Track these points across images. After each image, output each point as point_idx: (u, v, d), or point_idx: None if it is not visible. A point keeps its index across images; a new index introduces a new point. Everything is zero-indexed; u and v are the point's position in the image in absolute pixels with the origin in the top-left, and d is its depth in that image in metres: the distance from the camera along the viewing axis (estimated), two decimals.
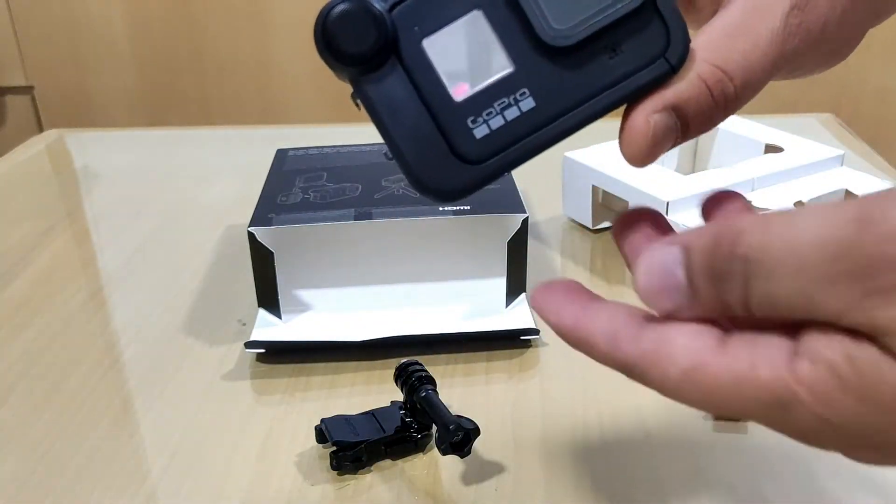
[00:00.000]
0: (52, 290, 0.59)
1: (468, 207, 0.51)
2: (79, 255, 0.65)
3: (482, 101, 0.25)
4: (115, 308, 0.57)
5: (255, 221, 0.50)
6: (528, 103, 0.25)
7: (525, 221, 0.51)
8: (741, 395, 0.23)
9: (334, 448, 0.41)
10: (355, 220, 0.50)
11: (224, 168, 0.81)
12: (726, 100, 0.26)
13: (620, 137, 0.26)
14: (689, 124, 0.26)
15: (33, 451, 0.43)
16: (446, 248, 0.53)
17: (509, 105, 0.25)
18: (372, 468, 0.41)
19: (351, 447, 0.40)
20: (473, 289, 0.54)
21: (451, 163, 0.25)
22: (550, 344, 0.50)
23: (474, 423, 0.39)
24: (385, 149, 0.26)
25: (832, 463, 0.40)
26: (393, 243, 0.53)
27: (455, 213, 0.51)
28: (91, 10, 1.35)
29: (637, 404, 0.45)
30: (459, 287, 0.54)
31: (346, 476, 0.40)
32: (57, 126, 0.97)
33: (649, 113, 0.26)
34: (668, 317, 0.24)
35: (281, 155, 0.63)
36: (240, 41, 1.36)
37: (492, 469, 0.41)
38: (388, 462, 0.41)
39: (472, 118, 0.25)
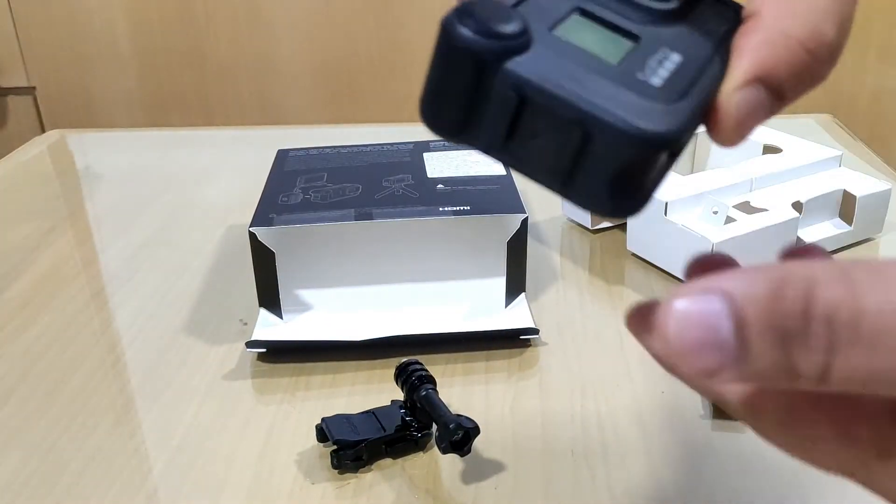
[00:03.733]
0: (54, 290, 0.59)
1: (468, 207, 0.51)
2: (80, 256, 0.65)
3: (637, 62, 0.24)
4: (116, 308, 0.57)
5: (256, 221, 0.50)
6: (675, 57, 0.25)
7: (525, 222, 0.51)
8: None
9: (335, 447, 0.41)
10: (356, 220, 0.50)
11: (225, 168, 0.81)
12: (832, 52, 0.24)
13: (707, 121, 0.24)
14: (785, 92, 0.24)
15: (35, 451, 0.43)
16: (446, 248, 0.53)
17: (662, 60, 0.24)
18: (372, 467, 0.41)
19: (351, 446, 0.41)
20: (473, 289, 0.54)
21: (655, 106, 0.22)
22: (550, 344, 0.50)
23: (474, 422, 0.39)
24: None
25: None
26: (393, 243, 0.53)
27: (455, 213, 0.51)
28: (92, 12, 1.35)
29: (636, 403, 0.45)
30: (459, 287, 0.54)
31: (347, 475, 0.41)
32: (58, 127, 0.97)
33: (732, 88, 0.24)
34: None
35: (282, 155, 0.63)
36: (241, 42, 1.37)
37: (491, 468, 0.41)
38: (388, 461, 0.41)
39: (640, 73, 0.24)
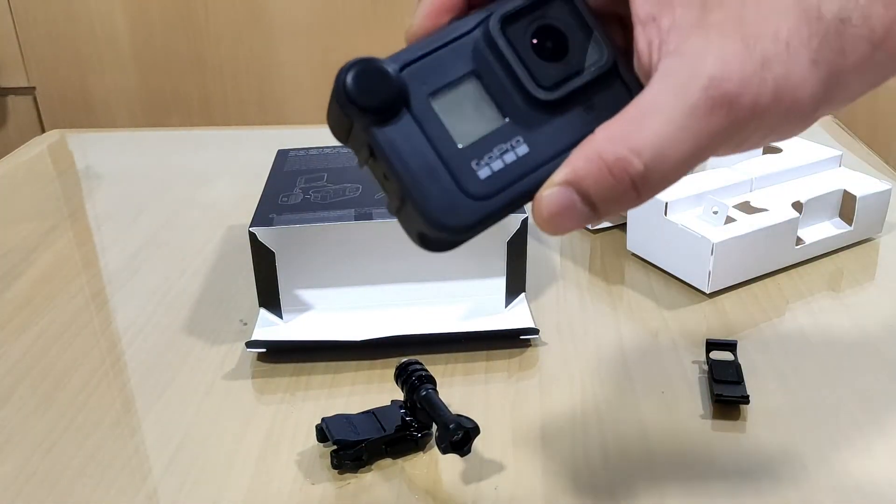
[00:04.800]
0: (54, 290, 0.59)
1: None
2: (80, 256, 0.65)
3: (483, 147, 0.28)
4: (116, 308, 0.57)
5: (256, 221, 0.50)
6: (522, 149, 0.28)
7: (524, 222, 0.51)
8: None
9: (335, 447, 0.41)
10: (356, 220, 0.50)
11: (225, 168, 0.81)
12: (633, 179, 0.26)
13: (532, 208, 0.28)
14: (596, 204, 0.27)
15: (35, 451, 0.43)
16: None
17: (507, 150, 0.28)
18: (372, 467, 0.41)
19: (351, 446, 0.41)
20: (473, 289, 0.54)
21: (460, 199, 0.27)
22: (550, 343, 0.50)
23: (474, 422, 0.39)
24: (384, 205, 0.28)
25: (830, 463, 0.41)
26: (393, 243, 0.53)
27: None
28: (92, 12, 1.35)
29: (636, 403, 0.45)
30: (459, 287, 0.54)
31: (347, 475, 0.41)
32: (58, 127, 0.97)
33: (546, 187, 0.27)
34: None
35: (281, 155, 0.63)
36: (241, 43, 1.37)
37: (491, 468, 0.41)
38: (388, 461, 0.41)
39: (475, 161, 0.28)
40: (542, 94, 0.28)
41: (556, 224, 0.27)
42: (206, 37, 1.36)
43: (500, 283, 0.53)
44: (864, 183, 0.61)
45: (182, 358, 0.51)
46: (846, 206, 0.61)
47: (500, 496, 0.39)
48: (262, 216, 0.51)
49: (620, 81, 0.29)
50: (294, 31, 1.35)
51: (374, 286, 0.54)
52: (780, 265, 0.58)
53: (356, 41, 1.35)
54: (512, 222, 0.51)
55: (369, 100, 0.27)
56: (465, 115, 0.28)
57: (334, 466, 0.41)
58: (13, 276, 0.62)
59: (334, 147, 0.63)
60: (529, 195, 0.28)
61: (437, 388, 0.42)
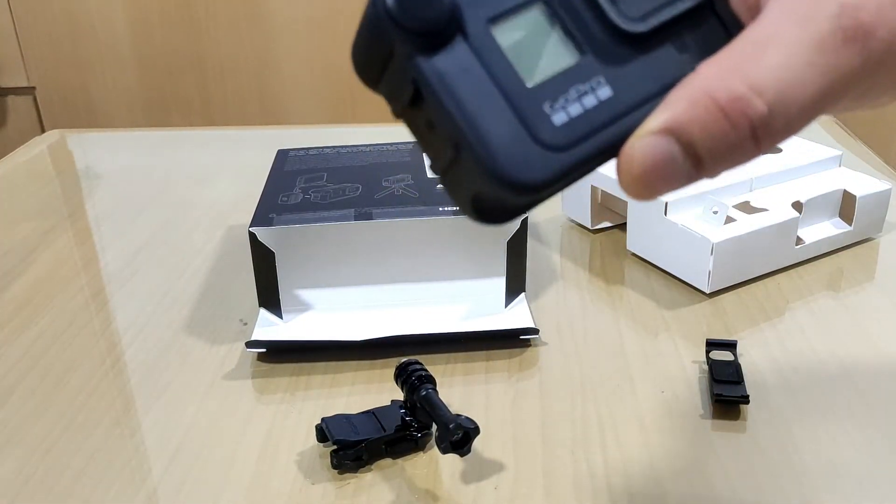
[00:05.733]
0: (54, 290, 0.59)
1: None
2: (80, 256, 0.65)
3: (557, 87, 0.23)
4: (116, 308, 0.57)
5: (256, 221, 0.50)
6: (605, 91, 0.23)
7: (524, 221, 0.51)
8: None
9: (335, 447, 0.41)
10: (356, 220, 0.50)
11: (225, 168, 0.81)
12: (754, 124, 0.21)
13: (617, 166, 0.23)
14: (702, 157, 0.22)
15: (34, 451, 0.43)
16: (446, 248, 0.53)
17: (586, 93, 0.23)
18: (372, 467, 0.41)
19: (351, 446, 0.41)
20: (473, 288, 0.54)
21: (532, 148, 0.22)
22: (550, 343, 0.50)
23: (474, 423, 0.39)
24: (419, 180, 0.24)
25: (831, 463, 0.41)
26: (393, 243, 0.53)
27: (455, 213, 0.51)
28: (92, 11, 1.35)
29: (636, 403, 0.45)
30: (459, 287, 0.54)
31: (347, 475, 0.41)
32: (58, 127, 0.97)
33: (638, 137, 0.22)
34: None
35: (281, 155, 0.63)
36: (241, 42, 1.37)
37: (491, 468, 0.41)
38: (388, 461, 0.41)
39: (549, 103, 0.23)
40: (628, 26, 0.24)
41: (650, 183, 0.22)
42: (207, 36, 1.36)
43: (500, 283, 0.53)
44: (864, 183, 0.61)
45: (182, 358, 0.51)
46: (846, 205, 0.61)
47: (500, 496, 0.39)
48: (262, 216, 0.51)
49: (716, 18, 0.25)
50: (294, 30, 1.36)
51: (373, 286, 0.54)
52: (780, 265, 0.58)
53: None
54: (512, 223, 0.51)
55: (417, 18, 0.22)
56: (534, 48, 0.23)
57: (334, 466, 0.41)
58: (13, 276, 0.62)
59: (334, 147, 0.63)
60: (615, 147, 0.23)
61: (437, 388, 0.42)
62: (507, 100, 0.22)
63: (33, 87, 1.41)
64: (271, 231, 0.50)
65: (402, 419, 0.42)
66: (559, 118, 0.23)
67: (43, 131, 0.93)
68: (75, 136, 0.93)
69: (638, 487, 0.39)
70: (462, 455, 0.40)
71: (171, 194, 0.76)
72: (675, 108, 0.22)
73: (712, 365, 0.46)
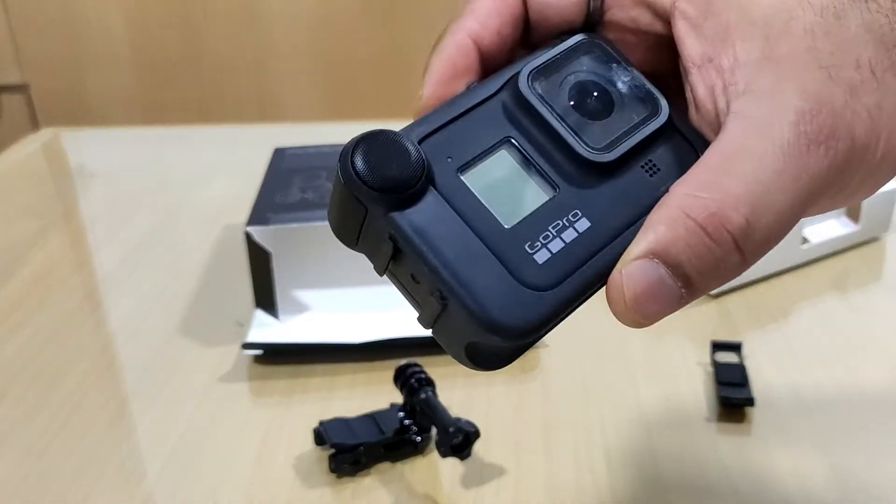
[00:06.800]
0: (48, 290, 0.59)
1: None
2: (74, 255, 0.64)
3: (535, 225, 0.23)
4: (110, 308, 0.56)
5: (252, 221, 0.50)
6: (582, 224, 0.23)
7: None
8: None
9: (333, 451, 0.40)
10: None
11: (221, 167, 0.81)
12: (735, 237, 0.21)
13: (606, 295, 0.23)
14: (690, 277, 0.22)
15: (29, 453, 0.42)
16: None
17: (564, 227, 0.23)
18: (371, 471, 0.40)
19: (349, 450, 0.40)
20: None
21: (519, 291, 0.22)
22: (551, 346, 0.49)
23: (474, 426, 0.39)
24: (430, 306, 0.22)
25: (837, 464, 0.40)
26: None
27: None
28: (87, 8, 1.34)
29: (639, 405, 0.44)
30: None
31: (345, 479, 0.40)
32: (53, 124, 0.96)
33: (623, 264, 0.22)
34: None
35: (279, 154, 0.62)
36: (237, 39, 1.36)
37: (492, 472, 0.40)
38: (387, 464, 0.41)
39: (528, 243, 0.22)
40: (595, 156, 0.24)
41: (643, 309, 0.22)
42: (203, 33, 1.36)
43: None
44: None
45: (177, 359, 0.50)
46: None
47: (501, 501, 0.39)
48: (259, 215, 0.50)
49: (680, 136, 0.25)
50: (291, 27, 1.35)
51: (372, 287, 0.53)
52: (785, 265, 0.57)
53: (354, 37, 1.34)
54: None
55: (387, 178, 0.21)
56: (507, 190, 0.23)
57: (332, 470, 0.40)
58: (6, 275, 0.61)
59: (332, 146, 0.63)
60: (602, 277, 0.23)
61: (437, 391, 0.41)
62: (488, 244, 0.22)
63: (27, 85, 1.40)
64: (268, 231, 0.49)
65: (402, 422, 0.41)
66: (541, 256, 0.22)
67: (37, 129, 0.93)
68: (70, 134, 0.92)
69: (642, 491, 0.39)
70: (462, 459, 0.39)
71: (166, 193, 0.75)
72: (656, 231, 0.22)
73: (717, 367, 0.46)
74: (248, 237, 0.49)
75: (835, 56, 0.23)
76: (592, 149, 0.24)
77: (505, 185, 0.23)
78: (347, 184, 0.22)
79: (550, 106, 0.24)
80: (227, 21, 1.35)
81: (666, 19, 0.25)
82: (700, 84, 0.24)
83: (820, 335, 0.50)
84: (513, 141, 0.24)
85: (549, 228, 0.23)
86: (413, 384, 0.41)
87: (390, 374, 0.42)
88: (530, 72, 0.25)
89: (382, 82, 1.36)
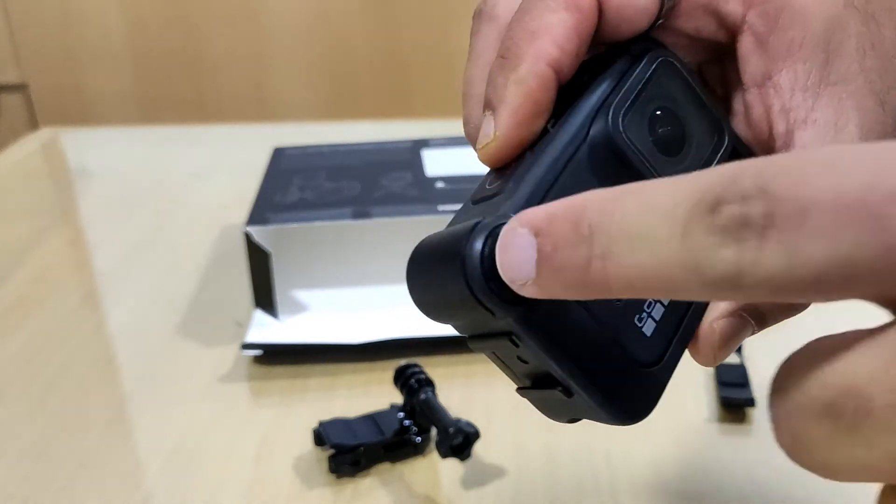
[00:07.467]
0: (47, 290, 0.58)
1: None
2: (73, 255, 0.64)
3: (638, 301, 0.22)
4: (109, 309, 0.56)
5: (251, 221, 0.50)
6: None
7: None
8: None
9: (332, 451, 0.40)
10: (353, 218, 0.49)
11: (220, 166, 0.80)
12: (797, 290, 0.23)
13: (691, 346, 0.23)
14: (764, 315, 0.23)
15: (27, 454, 0.42)
16: None
17: None
18: (371, 472, 0.40)
19: (349, 450, 0.40)
20: None
21: (639, 375, 0.21)
22: None
23: (474, 427, 0.39)
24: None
25: None
26: (392, 243, 0.52)
27: (455, 212, 0.50)
28: (86, 8, 1.34)
29: None
30: None
31: (345, 480, 0.40)
32: (51, 124, 0.96)
33: (714, 318, 0.23)
34: None
35: (278, 153, 0.62)
36: (236, 38, 1.36)
37: (492, 472, 0.40)
38: (386, 465, 0.41)
39: (637, 316, 0.22)
40: None
41: (730, 349, 0.23)
42: (202, 32, 1.35)
43: None
44: None
45: (176, 360, 0.50)
46: None
47: (501, 501, 0.38)
48: (258, 215, 0.50)
49: (737, 156, 0.24)
50: (290, 25, 1.35)
51: (372, 287, 0.53)
52: None
53: (353, 35, 1.34)
54: None
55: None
56: None
57: (332, 471, 0.40)
58: (5, 275, 0.61)
59: (332, 145, 0.62)
60: (692, 334, 0.23)
61: (437, 392, 0.41)
62: (607, 328, 0.21)
63: (26, 84, 1.40)
64: (267, 230, 0.49)
65: (401, 423, 0.41)
66: (649, 328, 0.22)
67: (36, 129, 0.92)
68: (68, 133, 0.92)
69: (642, 492, 0.39)
70: (462, 460, 0.39)
71: (165, 193, 0.75)
72: None
73: (718, 367, 0.46)
74: (248, 237, 0.49)
75: (883, 78, 0.23)
76: None
77: None
78: (479, 294, 0.19)
79: (639, 150, 0.22)
80: (227, 20, 1.35)
81: (732, 31, 0.24)
82: (758, 104, 0.24)
83: (820, 335, 0.50)
84: None
85: (647, 301, 0.22)
86: (413, 385, 0.41)
87: (390, 374, 0.42)
88: (621, 113, 0.22)
89: (382, 82, 1.36)
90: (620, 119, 0.22)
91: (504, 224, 0.18)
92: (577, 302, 0.21)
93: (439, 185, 0.54)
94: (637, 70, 0.23)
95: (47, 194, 0.76)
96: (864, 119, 0.23)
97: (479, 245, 0.19)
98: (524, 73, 0.22)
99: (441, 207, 0.50)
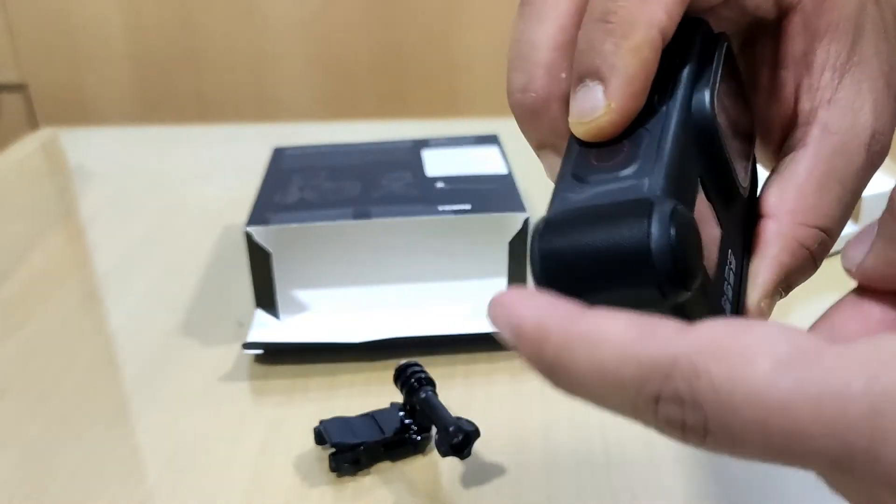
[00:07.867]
0: (47, 289, 0.58)
1: (469, 207, 0.51)
2: (74, 255, 0.64)
3: (720, 274, 0.22)
4: (110, 308, 0.56)
5: (252, 221, 0.50)
6: (733, 262, 0.23)
7: (527, 221, 0.50)
8: None
9: (333, 450, 0.40)
10: (354, 218, 0.50)
11: (220, 166, 0.80)
12: (824, 253, 0.25)
13: None
14: (791, 285, 0.25)
15: (27, 454, 0.42)
16: (447, 248, 0.52)
17: (730, 271, 0.23)
18: (371, 470, 0.40)
19: (350, 449, 0.40)
20: (474, 289, 0.53)
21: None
22: None
23: (474, 425, 0.39)
24: None
25: None
26: (392, 243, 0.52)
27: (455, 212, 0.50)
28: (86, 7, 1.34)
29: None
30: (460, 287, 0.53)
31: (345, 478, 0.40)
32: (51, 124, 0.96)
33: (761, 298, 0.24)
34: None
35: (278, 153, 0.62)
36: (236, 38, 1.36)
37: (492, 471, 0.40)
38: (387, 464, 0.41)
39: (722, 298, 0.22)
40: (743, 190, 0.24)
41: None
42: (201, 33, 1.35)
43: (502, 284, 0.52)
44: (871, 182, 0.61)
45: (177, 359, 0.50)
46: None
47: (501, 500, 0.38)
48: (259, 215, 0.50)
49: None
50: (290, 25, 1.35)
51: (373, 286, 0.53)
52: None
53: (354, 35, 1.34)
54: (514, 222, 0.50)
55: (697, 275, 0.19)
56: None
57: (332, 470, 0.40)
58: (5, 275, 0.61)
59: (332, 145, 0.63)
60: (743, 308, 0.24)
61: (437, 391, 0.41)
62: (721, 308, 0.22)
63: (26, 84, 1.40)
64: (268, 230, 0.49)
65: (402, 422, 0.41)
66: (727, 309, 0.23)
67: (36, 128, 0.92)
68: (68, 133, 0.92)
69: (642, 492, 0.39)
70: (462, 458, 0.39)
71: (165, 192, 0.75)
72: (779, 264, 0.24)
73: None
74: (248, 237, 0.49)
75: (889, 61, 0.24)
76: (741, 184, 0.24)
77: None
78: (669, 287, 0.18)
79: (722, 133, 0.22)
80: (227, 20, 1.35)
81: (786, 10, 0.25)
82: (790, 81, 0.25)
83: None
84: (702, 180, 0.22)
85: (725, 276, 0.22)
86: (413, 384, 0.41)
87: (390, 373, 0.42)
88: (715, 92, 0.22)
89: (382, 82, 1.36)
90: (715, 97, 0.22)
91: (678, 209, 0.18)
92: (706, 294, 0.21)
93: (439, 185, 0.54)
94: (716, 49, 0.23)
95: (47, 194, 0.76)
96: (877, 102, 0.24)
97: (668, 240, 0.18)
98: (640, 41, 0.21)
99: (441, 207, 0.51)
